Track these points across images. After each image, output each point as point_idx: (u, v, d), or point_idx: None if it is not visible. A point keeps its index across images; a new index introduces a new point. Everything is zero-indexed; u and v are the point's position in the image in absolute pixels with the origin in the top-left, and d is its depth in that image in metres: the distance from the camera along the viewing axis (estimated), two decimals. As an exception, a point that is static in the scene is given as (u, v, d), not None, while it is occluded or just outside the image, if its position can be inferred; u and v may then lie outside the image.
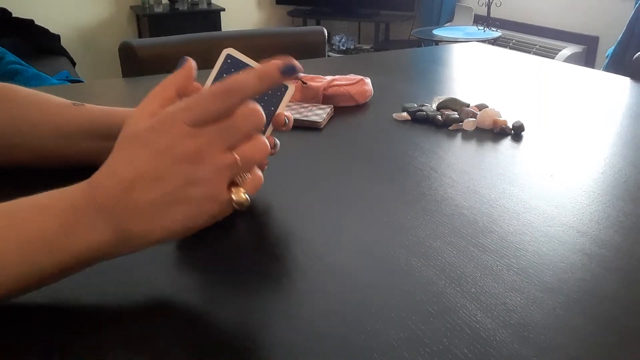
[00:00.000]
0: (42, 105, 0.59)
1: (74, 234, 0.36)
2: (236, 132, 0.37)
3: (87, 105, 0.60)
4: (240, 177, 0.39)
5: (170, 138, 0.36)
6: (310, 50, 1.30)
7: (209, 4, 3.92)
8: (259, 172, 0.40)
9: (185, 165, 0.36)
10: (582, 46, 3.20)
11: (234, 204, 0.38)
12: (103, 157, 0.57)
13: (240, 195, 0.38)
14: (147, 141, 0.37)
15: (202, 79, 0.59)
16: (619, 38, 2.55)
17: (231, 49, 0.48)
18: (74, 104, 0.59)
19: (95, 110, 0.60)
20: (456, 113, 0.77)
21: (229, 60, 0.48)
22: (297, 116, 0.76)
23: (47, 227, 0.36)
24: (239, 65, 0.48)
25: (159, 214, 0.36)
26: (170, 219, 0.36)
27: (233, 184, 0.38)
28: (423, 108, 0.78)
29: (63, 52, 3.18)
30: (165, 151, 0.36)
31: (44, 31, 3.21)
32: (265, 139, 0.39)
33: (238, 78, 0.37)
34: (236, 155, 0.37)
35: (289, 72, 0.38)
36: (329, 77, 0.85)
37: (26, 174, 0.59)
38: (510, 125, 0.73)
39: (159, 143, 0.36)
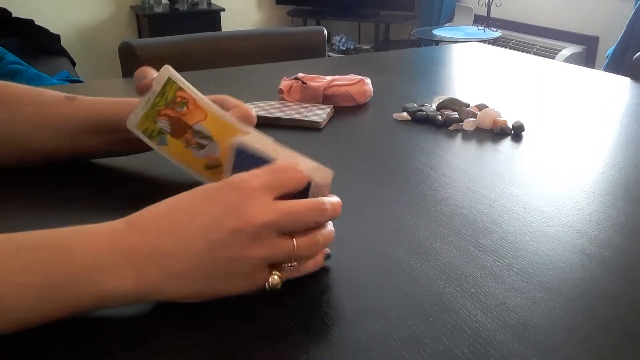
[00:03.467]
0: (38, 103, 0.58)
1: (90, 281, 0.34)
2: (301, 224, 0.38)
3: (80, 98, 0.58)
4: (289, 266, 0.39)
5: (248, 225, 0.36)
6: (310, 50, 1.30)
7: (209, 4, 3.91)
8: (307, 265, 0.41)
9: (243, 237, 0.35)
10: (582, 46, 3.20)
11: (267, 285, 0.38)
12: (99, 151, 0.59)
13: (275, 279, 0.38)
14: (221, 206, 0.36)
15: (201, 80, 0.59)
16: (619, 38, 2.55)
17: (240, 139, 0.43)
18: (66, 97, 0.58)
19: (88, 104, 0.58)
20: (456, 113, 0.77)
21: (239, 151, 0.43)
22: (297, 116, 0.76)
23: (60, 269, 0.34)
24: (252, 159, 0.42)
25: (191, 281, 0.36)
26: (201, 287, 0.36)
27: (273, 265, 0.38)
28: (423, 108, 0.78)
29: (63, 52, 3.18)
30: (233, 228, 0.35)
31: (44, 31, 3.21)
32: (327, 237, 0.40)
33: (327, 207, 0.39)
34: (294, 243, 0.38)
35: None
36: (329, 77, 0.85)
37: (26, 174, 0.59)
38: (510, 125, 0.73)
39: (232, 219, 0.36)
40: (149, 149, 0.54)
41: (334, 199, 0.41)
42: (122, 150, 0.60)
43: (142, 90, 0.49)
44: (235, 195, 0.37)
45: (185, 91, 0.48)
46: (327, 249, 0.42)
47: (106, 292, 0.34)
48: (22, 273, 0.33)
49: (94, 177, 0.60)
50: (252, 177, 0.38)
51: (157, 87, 0.48)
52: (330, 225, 0.42)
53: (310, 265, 0.41)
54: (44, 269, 0.33)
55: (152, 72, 0.50)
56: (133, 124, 0.49)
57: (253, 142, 0.43)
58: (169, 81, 0.48)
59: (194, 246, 0.35)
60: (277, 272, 0.38)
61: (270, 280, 0.38)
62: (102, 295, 0.34)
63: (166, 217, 0.37)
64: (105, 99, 0.58)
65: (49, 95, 0.59)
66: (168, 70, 0.48)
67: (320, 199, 0.40)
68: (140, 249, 0.35)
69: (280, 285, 0.38)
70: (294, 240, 0.38)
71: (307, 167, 0.41)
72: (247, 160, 0.42)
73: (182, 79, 0.48)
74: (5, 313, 0.33)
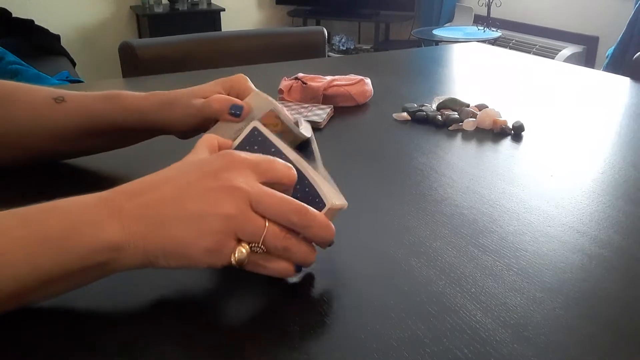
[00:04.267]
0: (30, 106, 0.57)
1: (81, 234, 0.36)
2: (273, 210, 0.38)
3: (68, 98, 0.57)
4: (257, 247, 0.38)
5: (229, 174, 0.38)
6: (310, 50, 1.30)
7: (209, 4, 3.91)
8: (277, 265, 0.39)
9: (216, 194, 0.37)
10: (582, 46, 3.19)
11: (233, 257, 0.37)
12: (97, 149, 0.61)
13: (242, 252, 0.37)
14: (199, 165, 0.39)
15: (201, 80, 0.59)
16: (619, 38, 2.55)
17: (257, 122, 0.45)
18: (55, 100, 0.57)
19: (77, 107, 0.57)
20: (456, 113, 0.77)
21: (255, 133, 0.44)
22: (297, 116, 0.76)
23: (53, 225, 0.36)
24: (263, 142, 0.44)
25: (166, 225, 0.37)
26: (172, 234, 0.37)
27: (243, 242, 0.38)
28: (423, 108, 0.78)
29: (63, 52, 3.18)
30: (208, 176, 0.38)
31: (44, 31, 3.21)
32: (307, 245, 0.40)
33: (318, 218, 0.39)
34: (266, 224, 0.38)
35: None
36: (329, 77, 0.85)
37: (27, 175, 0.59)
38: (510, 125, 0.73)
39: (211, 167, 0.39)
40: (145, 138, 0.59)
41: (328, 222, 0.40)
42: (121, 144, 0.61)
43: (243, 119, 0.50)
44: (219, 162, 0.39)
45: (285, 124, 0.49)
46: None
47: (97, 244, 0.36)
48: (21, 228, 0.35)
49: (94, 176, 0.60)
50: (244, 154, 0.40)
51: (257, 116, 0.49)
52: (312, 248, 0.40)
53: (279, 266, 0.39)
54: (41, 227, 0.36)
55: (236, 100, 0.51)
56: None
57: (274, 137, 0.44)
58: (274, 116, 0.48)
59: (168, 195, 0.38)
60: (246, 247, 0.37)
61: (236, 252, 0.37)
62: (94, 247, 0.36)
63: (152, 182, 0.39)
64: (93, 96, 0.57)
65: (40, 96, 0.57)
66: (273, 104, 0.49)
67: (307, 207, 0.39)
68: (124, 206, 0.37)
69: (246, 261, 0.37)
70: (267, 222, 0.38)
71: (328, 191, 0.42)
72: (256, 142, 0.44)
73: (284, 111, 0.49)
74: (6, 269, 0.34)
